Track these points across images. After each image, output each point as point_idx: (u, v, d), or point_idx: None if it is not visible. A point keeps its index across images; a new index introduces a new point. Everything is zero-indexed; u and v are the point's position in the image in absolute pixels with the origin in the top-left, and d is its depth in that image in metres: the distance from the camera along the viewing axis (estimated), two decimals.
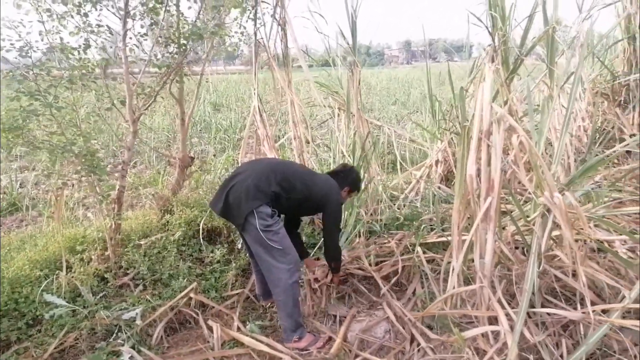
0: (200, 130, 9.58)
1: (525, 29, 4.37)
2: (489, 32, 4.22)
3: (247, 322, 3.01)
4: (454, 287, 2.75)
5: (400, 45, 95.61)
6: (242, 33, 4.51)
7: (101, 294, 3.12)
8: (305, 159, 4.68)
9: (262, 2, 4.40)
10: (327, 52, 5.25)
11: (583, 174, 3.02)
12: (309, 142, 5.01)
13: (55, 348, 2.72)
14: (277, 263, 2.71)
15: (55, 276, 3.14)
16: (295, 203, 2.86)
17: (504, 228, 3.31)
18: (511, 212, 3.48)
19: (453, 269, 2.79)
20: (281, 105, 5.07)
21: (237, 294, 3.38)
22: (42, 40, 3.21)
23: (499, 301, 2.58)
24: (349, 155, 4.62)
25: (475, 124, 2.78)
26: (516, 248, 3.34)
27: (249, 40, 4.64)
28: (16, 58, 3.03)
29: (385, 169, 5.76)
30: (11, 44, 3.00)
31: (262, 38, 4.50)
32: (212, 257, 3.59)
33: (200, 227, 3.75)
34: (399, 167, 5.44)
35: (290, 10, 4.51)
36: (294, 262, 2.78)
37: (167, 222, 3.87)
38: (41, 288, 2.96)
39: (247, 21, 4.42)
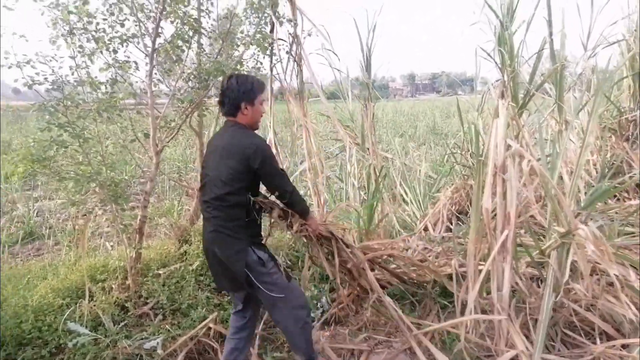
0: None
1: (534, 66, 4.52)
2: (498, 68, 4.36)
3: (264, 355, 3.04)
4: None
5: (404, 78, 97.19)
6: (258, 69, 4.68)
7: (122, 323, 3.15)
8: (319, 191, 4.76)
9: (279, 39, 4.59)
10: (339, 87, 5.40)
11: (596, 200, 3.08)
12: (322, 173, 5.11)
13: None
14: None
15: (77, 305, 3.19)
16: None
17: (518, 259, 3.35)
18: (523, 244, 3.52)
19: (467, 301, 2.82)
20: (297, 137, 5.20)
21: None
22: (72, 74, 3.35)
23: (518, 334, 2.60)
24: (360, 189, 4.71)
25: (490, 159, 2.87)
26: (531, 279, 3.38)
27: (265, 76, 4.80)
28: (47, 91, 3.17)
29: (395, 201, 5.83)
30: (45, 78, 3.14)
31: (278, 74, 4.66)
32: None
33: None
34: (409, 199, 5.52)
35: (305, 47, 4.70)
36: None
37: (185, 252, 3.93)
38: (64, 316, 3.01)
39: (264, 57, 4.59)
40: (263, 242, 2.71)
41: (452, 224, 5.03)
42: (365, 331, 3.35)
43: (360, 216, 4.14)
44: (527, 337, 2.68)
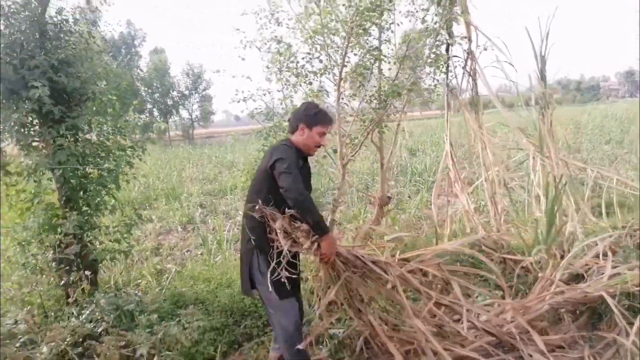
0: (396, 173, 10.26)
1: None
2: None
3: None
4: None
5: (621, 76, 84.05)
6: (435, 85, 5.01)
7: (313, 308, 3.81)
8: (497, 201, 4.83)
9: (454, 57, 4.85)
10: (517, 96, 5.37)
11: None
12: (504, 184, 5.14)
13: None
14: None
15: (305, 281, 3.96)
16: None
17: None
18: None
19: None
20: (474, 148, 5.34)
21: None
22: (280, 104, 4.22)
23: None
24: (543, 196, 4.61)
25: None
26: None
27: (441, 91, 5.10)
28: (264, 121, 4.06)
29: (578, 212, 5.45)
30: (260, 111, 4.04)
31: (454, 89, 4.91)
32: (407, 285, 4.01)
33: (396, 258, 4.22)
34: (604, 211, 5.12)
35: (480, 61, 4.86)
36: None
37: (368, 253, 4.46)
38: None
39: (439, 74, 4.90)
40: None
41: None
42: None
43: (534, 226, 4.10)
44: None
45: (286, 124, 4.19)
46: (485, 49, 4.91)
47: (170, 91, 38.26)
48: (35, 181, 3.42)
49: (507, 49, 4.88)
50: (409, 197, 7.72)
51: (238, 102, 4.04)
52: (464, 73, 4.96)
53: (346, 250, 2.83)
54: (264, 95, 4.08)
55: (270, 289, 2.52)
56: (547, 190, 4.48)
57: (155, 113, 37.67)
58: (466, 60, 4.92)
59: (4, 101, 3.13)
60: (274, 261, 2.47)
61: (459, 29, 4.87)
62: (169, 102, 38.70)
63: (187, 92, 39.67)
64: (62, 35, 3.26)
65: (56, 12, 3.28)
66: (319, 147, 2.78)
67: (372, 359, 3.39)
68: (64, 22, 3.30)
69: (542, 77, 4.88)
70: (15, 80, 2.96)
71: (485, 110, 5.82)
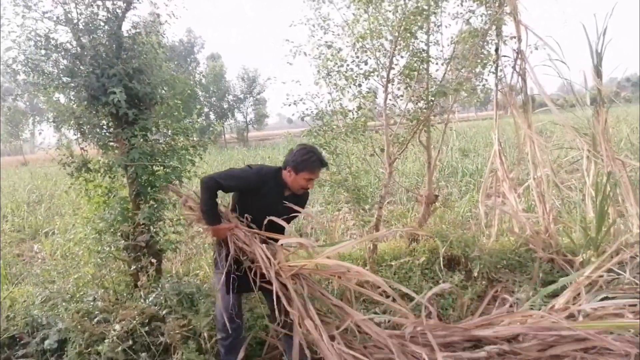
0: (447, 174, 10.22)
1: None
2: None
3: None
4: None
5: None
6: (484, 85, 5.04)
7: (361, 299, 3.99)
8: (545, 201, 4.81)
9: (503, 56, 4.87)
10: (571, 95, 5.29)
11: None
12: (555, 184, 5.10)
13: None
14: None
15: (329, 282, 4.17)
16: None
17: None
18: None
19: None
20: (524, 148, 5.32)
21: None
22: (329, 106, 4.43)
23: None
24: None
25: None
26: None
27: (490, 90, 5.12)
28: (313, 121, 4.28)
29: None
30: (311, 112, 4.27)
31: (502, 88, 4.94)
32: (450, 280, 4.12)
33: (441, 255, 4.33)
34: None
35: (530, 60, 4.85)
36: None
37: (414, 249, 4.59)
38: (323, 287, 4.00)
39: (488, 74, 4.94)
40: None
41: None
42: None
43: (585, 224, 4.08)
44: None
45: (335, 123, 4.42)
46: (536, 48, 4.90)
47: (226, 95, 39.57)
48: (110, 177, 3.83)
49: (559, 48, 4.85)
50: (459, 197, 7.72)
51: (289, 105, 4.29)
52: (513, 73, 4.97)
53: (245, 233, 2.89)
54: (314, 98, 4.31)
55: (216, 279, 2.99)
56: (597, 189, 4.44)
57: (212, 116, 39.11)
58: (516, 60, 4.92)
59: (85, 105, 3.55)
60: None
61: (508, 28, 4.89)
62: (225, 105, 40.05)
63: (242, 96, 40.86)
64: (135, 47, 3.63)
65: (131, 26, 3.67)
66: (306, 189, 2.94)
67: None
68: (137, 35, 3.68)
69: (598, 74, 4.81)
70: (97, 87, 3.35)
71: (539, 109, 5.76)
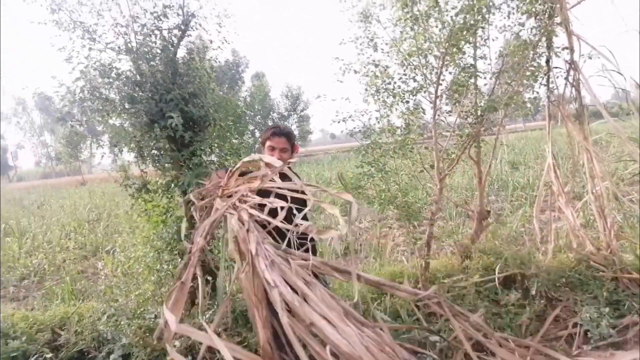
0: (497, 188, 9.97)
1: None
2: None
3: None
4: None
5: None
6: (535, 98, 4.92)
7: (414, 317, 3.93)
8: (606, 216, 4.60)
9: (555, 68, 4.75)
10: (629, 105, 5.07)
11: None
12: (615, 198, 4.88)
13: None
14: None
15: (382, 299, 4.14)
16: None
17: None
18: None
19: None
20: (579, 160, 5.13)
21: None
22: (377, 123, 4.45)
23: None
24: None
25: None
26: None
27: (540, 101, 4.99)
28: (362, 139, 4.31)
29: None
30: (358, 130, 4.31)
31: (554, 100, 4.80)
32: (507, 299, 3.99)
33: (496, 273, 4.21)
34: None
35: (584, 70, 4.70)
36: None
37: (467, 266, 4.48)
38: (373, 306, 3.98)
39: (539, 87, 4.82)
40: None
41: None
42: None
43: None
44: None
45: (382, 141, 4.42)
46: (589, 58, 4.75)
47: (270, 113, 40.31)
48: (167, 197, 3.99)
49: (614, 57, 4.68)
50: (511, 212, 7.50)
51: (338, 122, 4.34)
52: (566, 84, 4.83)
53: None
54: (362, 115, 4.34)
55: None
56: None
57: (257, 134, 39.86)
58: (568, 71, 4.78)
59: (145, 129, 3.73)
60: None
61: (559, 40, 4.76)
62: (269, 123, 40.78)
63: (286, 113, 41.49)
64: (190, 72, 3.80)
65: (186, 53, 3.84)
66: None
67: None
68: (192, 60, 3.86)
69: None
70: (156, 112, 3.53)
71: (594, 120, 5.56)
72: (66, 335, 3.49)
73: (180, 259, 3.89)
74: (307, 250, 2.29)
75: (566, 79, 4.82)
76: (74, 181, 36.97)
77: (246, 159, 2.89)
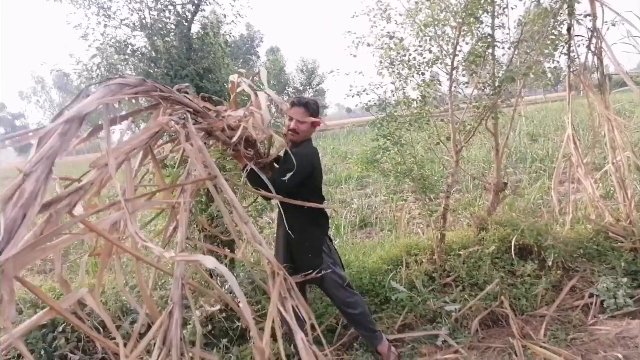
0: (515, 160, 9.84)
1: None
2: None
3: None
4: None
5: None
6: (555, 67, 4.81)
7: (429, 288, 3.98)
8: (626, 186, 4.54)
9: (576, 36, 4.62)
10: None
11: None
12: (637, 168, 4.80)
13: (401, 322, 3.69)
14: None
15: (397, 270, 4.18)
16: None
17: None
18: None
19: None
20: (600, 131, 5.03)
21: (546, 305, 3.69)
22: (392, 96, 4.41)
23: None
24: None
25: None
26: None
27: (560, 72, 4.88)
28: (377, 112, 4.28)
29: None
30: (374, 103, 4.28)
31: (575, 70, 4.69)
32: (523, 270, 4.01)
33: (512, 244, 4.21)
34: None
35: (607, 38, 4.57)
36: None
37: (483, 237, 4.49)
38: (389, 277, 4.03)
39: (560, 56, 4.71)
40: None
41: None
42: None
43: None
44: None
45: (398, 113, 4.39)
46: (613, 25, 4.61)
47: (286, 87, 40.06)
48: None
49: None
50: (529, 184, 7.42)
51: (352, 96, 4.31)
52: (587, 52, 4.70)
53: None
54: (377, 88, 4.30)
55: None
56: None
57: (272, 109, 39.65)
58: (590, 39, 4.65)
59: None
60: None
61: (581, 6, 4.62)
62: (285, 98, 40.53)
63: (301, 88, 41.21)
64: (204, 47, 3.80)
65: (200, 28, 3.84)
66: (291, 130, 3.11)
67: (487, 340, 3.48)
68: (206, 35, 3.85)
69: None
70: (171, 87, 3.55)
71: (616, 89, 5.43)
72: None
73: (199, 231, 3.98)
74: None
75: (588, 47, 4.71)
76: (93, 158, 37.53)
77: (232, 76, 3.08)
